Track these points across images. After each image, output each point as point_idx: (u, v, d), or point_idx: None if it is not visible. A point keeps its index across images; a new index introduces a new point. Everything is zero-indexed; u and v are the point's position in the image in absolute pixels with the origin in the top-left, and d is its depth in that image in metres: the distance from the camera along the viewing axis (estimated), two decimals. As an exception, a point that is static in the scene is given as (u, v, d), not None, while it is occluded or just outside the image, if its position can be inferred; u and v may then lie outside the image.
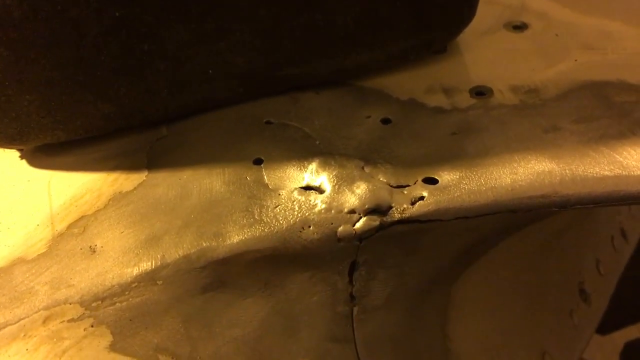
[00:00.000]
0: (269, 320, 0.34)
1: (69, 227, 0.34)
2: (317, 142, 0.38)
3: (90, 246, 0.33)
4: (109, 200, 0.35)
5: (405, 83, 0.42)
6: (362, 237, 0.33)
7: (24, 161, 0.39)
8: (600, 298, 0.60)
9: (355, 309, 0.36)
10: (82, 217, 0.34)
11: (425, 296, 0.39)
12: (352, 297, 0.36)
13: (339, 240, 0.33)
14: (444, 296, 0.40)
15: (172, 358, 0.31)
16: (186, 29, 0.36)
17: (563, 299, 0.53)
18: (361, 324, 0.36)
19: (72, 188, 0.36)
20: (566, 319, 0.53)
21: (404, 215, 0.33)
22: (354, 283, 0.36)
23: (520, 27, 0.46)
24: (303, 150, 0.37)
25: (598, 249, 0.61)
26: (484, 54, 0.44)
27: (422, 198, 0.33)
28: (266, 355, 0.33)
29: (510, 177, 0.33)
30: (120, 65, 0.36)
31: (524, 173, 0.33)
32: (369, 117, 0.40)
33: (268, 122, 0.40)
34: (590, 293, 0.58)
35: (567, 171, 0.33)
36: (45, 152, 0.39)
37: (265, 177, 0.36)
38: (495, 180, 0.33)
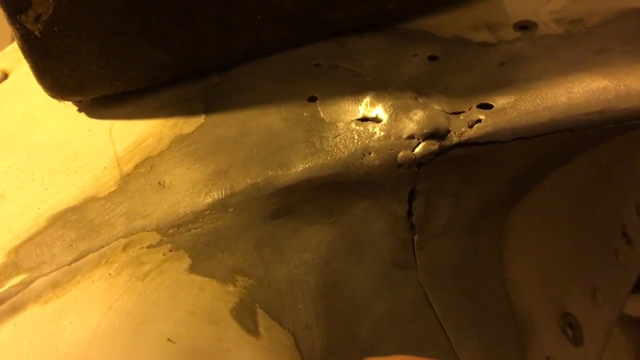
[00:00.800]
0: (335, 245, 0.35)
1: (136, 167, 0.35)
2: (368, 80, 0.38)
3: (160, 182, 0.34)
4: (171, 142, 0.36)
5: (447, 23, 0.43)
6: (422, 162, 0.34)
7: (82, 114, 0.40)
8: (642, 242, 0.60)
9: (416, 237, 0.37)
10: (147, 158, 0.35)
11: (482, 226, 0.39)
12: (412, 225, 0.37)
13: (399, 165, 0.34)
14: (499, 226, 0.41)
15: (249, 278, 0.32)
16: (235, -26, 0.36)
17: (608, 239, 0.53)
18: (422, 252, 0.37)
19: (133, 134, 0.37)
20: (612, 258, 0.53)
21: (462, 138, 0.34)
22: (413, 211, 0.37)
23: (556, -34, 0.46)
24: (355, 86, 0.38)
25: (636, 197, 0.62)
26: (522, -7, 0.45)
27: (479, 121, 0.34)
28: (335, 278, 0.34)
29: (566, 96, 0.34)
30: (174, 13, 0.36)
31: (579, 91, 0.34)
32: (415, 55, 0.40)
33: (317, 65, 0.40)
34: (632, 236, 0.58)
35: (622, 86, 0.33)
36: (102, 105, 0.39)
37: (321, 112, 0.36)
38: (551, 99, 0.34)
